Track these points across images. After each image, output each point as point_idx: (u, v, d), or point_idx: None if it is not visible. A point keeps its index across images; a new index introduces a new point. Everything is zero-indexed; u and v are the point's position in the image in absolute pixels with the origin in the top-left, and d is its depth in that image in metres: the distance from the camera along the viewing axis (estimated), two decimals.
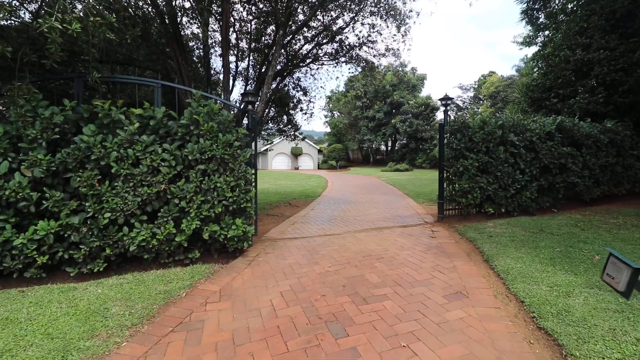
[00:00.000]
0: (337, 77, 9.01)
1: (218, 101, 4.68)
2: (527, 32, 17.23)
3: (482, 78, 63.13)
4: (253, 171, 4.81)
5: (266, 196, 11.33)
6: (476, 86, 56.02)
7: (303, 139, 9.58)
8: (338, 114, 46.15)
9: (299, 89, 8.12)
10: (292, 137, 8.93)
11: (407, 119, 33.02)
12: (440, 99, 6.16)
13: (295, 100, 7.88)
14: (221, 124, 4.19)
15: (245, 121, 5.66)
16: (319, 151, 45.14)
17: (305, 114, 8.68)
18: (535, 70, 17.49)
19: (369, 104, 39.11)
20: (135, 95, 5.42)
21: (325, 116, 50.56)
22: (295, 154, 42.11)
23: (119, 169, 3.66)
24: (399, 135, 33.84)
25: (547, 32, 14.95)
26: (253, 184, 5.01)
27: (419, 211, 7.71)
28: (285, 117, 7.93)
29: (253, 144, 5.20)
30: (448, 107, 6.30)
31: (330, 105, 48.33)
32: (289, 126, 8.37)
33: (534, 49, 18.32)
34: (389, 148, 41.32)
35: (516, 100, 18.63)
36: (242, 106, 4.53)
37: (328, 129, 50.20)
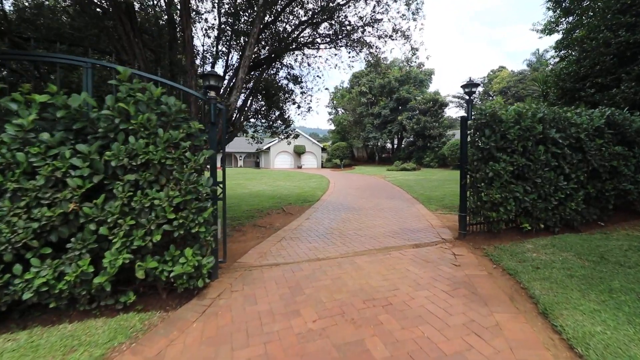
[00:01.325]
0: (337, 65, 7.85)
1: (174, 87, 3.48)
2: (547, 18, 15.77)
3: (491, 73, 61.34)
4: (211, 182, 3.61)
5: (259, 200, 10.16)
6: (485, 81, 54.31)
7: (296, 137, 8.27)
8: (342, 111, 44.84)
9: (290, 77, 6.92)
10: (285, 134, 7.73)
11: (414, 115, 31.59)
12: (464, 86, 4.90)
13: (286, 91, 6.68)
14: (164, 115, 3.00)
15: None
16: (323, 149, 43.93)
17: (300, 107, 7.47)
18: (556, 59, 15.99)
19: (374, 101, 37.75)
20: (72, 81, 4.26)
21: (330, 113, 49.31)
22: (298, 152, 40.96)
23: (3, 181, 2.50)
24: (406, 132, 32.47)
25: (570, 19, 13.53)
26: (218, 194, 3.83)
27: (433, 222, 6.46)
28: (275, 111, 6.74)
29: (225, 143, 4.00)
30: (463, 99, 5.07)
31: (335, 102, 47.08)
32: (280, 122, 7.16)
33: (555, 37, 16.80)
34: (395, 146, 39.92)
35: (535, 93, 17.14)
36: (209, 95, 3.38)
37: (332, 127, 48.93)
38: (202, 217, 3.02)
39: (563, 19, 13.69)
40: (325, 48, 7.19)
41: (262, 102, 6.59)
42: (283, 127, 7.43)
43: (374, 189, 13.46)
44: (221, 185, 3.96)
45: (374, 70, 11.62)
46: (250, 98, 6.27)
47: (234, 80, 4.40)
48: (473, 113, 4.83)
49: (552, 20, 14.42)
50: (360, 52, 7.30)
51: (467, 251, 4.45)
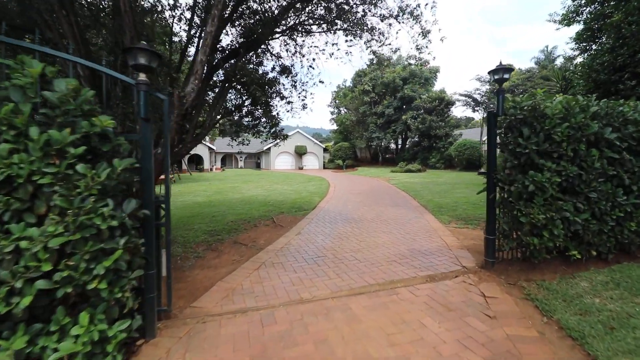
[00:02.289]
0: (332, 54, 6.93)
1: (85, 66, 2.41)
2: (566, 8, 14.55)
3: (486, 75, 59.53)
4: (133, 205, 2.55)
5: (249, 208, 9.11)
6: (492, 80, 52.69)
7: (285, 138, 7.14)
8: (345, 110, 43.74)
9: (277, 68, 5.84)
10: (272, 135, 6.64)
11: (419, 114, 30.40)
12: (493, 71, 3.78)
13: (272, 84, 5.60)
14: (50, 107, 1.94)
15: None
16: (325, 150, 42.90)
17: (290, 103, 6.36)
18: (576, 52, 14.76)
19: (377, 100, 36.62)
20: None
21: (332, 113, 48.26)
22: (299, 153, 39.96)
23: None
24: (410, 132, 31.31)
25: (593, 6, 12.36)
26: (169, 215, 2.78)
27: (449, 240, 5.35)
28: (258, 107, 5.66)
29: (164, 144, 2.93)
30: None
31: (337, 101, 46.02)
32: (265, 119, 6.07)
33: (574, 28, 15.60)
34: (399, 146, 38.73)
35: (552, 89, 15.92)
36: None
37: (335, 127, 47.86)
38: (103, 266, 1.94)
39: (585, 7, 12.54)
40: (320, 32, 6.10)
41: (245, 97, 5.53)
42: (269, 126, 6.34)
43: (377, 194, 12.35)
44: (165, 206, 2.88)
45: (377, 63, 10.57)
46: (229, 91, 5.20)
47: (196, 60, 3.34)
48: (505, 107, 3.72)
49: (571, 9, 13.25)
50: (360, 37, 6.20)
51: (500, 290, 3.35)
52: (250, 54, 5.15)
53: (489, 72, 3.87)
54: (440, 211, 8.00)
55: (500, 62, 3.77)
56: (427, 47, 6.17)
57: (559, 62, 43.92)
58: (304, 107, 7.94)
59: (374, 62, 10.75)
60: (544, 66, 45.24)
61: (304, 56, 6.98)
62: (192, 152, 38.06)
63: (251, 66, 5.46)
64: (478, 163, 24.47)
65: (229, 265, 4.48)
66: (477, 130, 39.69)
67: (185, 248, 5.37)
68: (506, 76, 3.71)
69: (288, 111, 6.39)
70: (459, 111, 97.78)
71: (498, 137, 3.83)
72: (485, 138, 33.00)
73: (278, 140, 6.97)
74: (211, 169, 39.86)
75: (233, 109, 5.57)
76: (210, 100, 5.23)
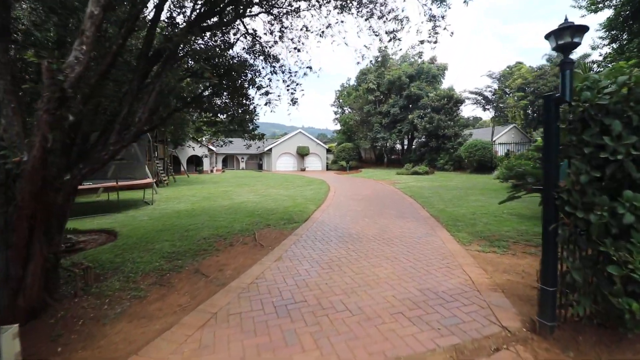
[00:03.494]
0: (322, 33, 5.77)
1: None
2: None
3: (507, 69, 58.09)
4: None
5: (233, 219, 7.87)
6: (501, 77, 51.15)
7: (260, 138, 5.85)
8: (349, 110, 42.41)
9: (250, 49, 4.56)
10: (249, 135, 5.36)
11: (426, 113, 28.91)
12: (554, 33, 2.44)
13: (242, 69, 4.31)
14: None
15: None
16: (328, 150, 41.65)
17: (268, 94, 5.03)
18: (606, 41, 13.33)
19: (382, 98, 35.23)
20: None
21: (336, 113, 46.97)
22: (302, 154, 38.75)
23: None
24: (417, 132, 29.84)
25: None
26: None
27: (475, 274, 4.01)
28: (220, 97, 4.40)
29: None
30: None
31: (341, 100, 44.74)
32: (235, 114, 4.74)
33: (602, 14, 14.11)
34: (405, 147, 37.26)
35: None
36: None
37: (338, 127, 46.55)
38: None
39: None
40: (308, 7, 4.81)
41: (207, 86, 4.27)
42: (242, 122, 5.02)
43: (381, 200, 11.00)
44: None
45: (381, 60, 9.29)
46: (168, 72, 3.92)
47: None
48: (575, 88, 2.39)
49: None
50: (358, 13, 4.90)
51: None
52: (212, 30, 3.89)
53: (547, 35, 2.53)
54: (457, 226, 6.64)
55: (566, 18, 2.44)
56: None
57: (573, 57, 41.83)
58: (294, 101, 6.69)
59: (378, 53, 9.50)
60: (556, 63, 43.43)
61: (291, 40, 5.71)
62: (191, 154, 37.11)
63: (218, 48, 4.18)
64: (490, 165, 22.94)
65: (170, 316, 3.21)
66: (486, 130, 38.10)
67: (126, 281, 4.12)
68: (577, 40, 2.38)
69: (267, 104, 5.08)
70: (468, 110, 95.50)
71: (563, 135, 2.49)
72: (496, 138, 31.43)
73: (254, 142, 5.67)
74: (211, 171, 38.83)
75: (190, 100, 4.29)
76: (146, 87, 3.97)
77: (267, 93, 4.95)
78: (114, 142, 3.11)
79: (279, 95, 6.81)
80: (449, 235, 5.99)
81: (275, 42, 5.03)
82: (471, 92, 30.75)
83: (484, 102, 31.92)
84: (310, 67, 5.82)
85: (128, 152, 13.83)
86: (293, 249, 5.33)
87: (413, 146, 34.11)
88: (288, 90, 6.67)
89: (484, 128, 43.92)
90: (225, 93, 4.18)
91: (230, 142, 6.59)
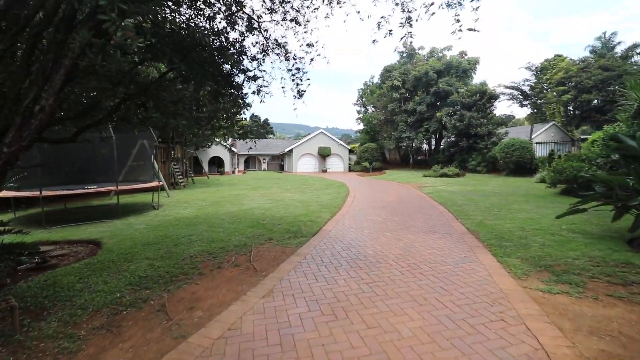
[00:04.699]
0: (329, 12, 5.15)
1: None
2: None
3: (545, 63, 54.03)
4: None
5: (233, 229, 6.88)
6: (538, 72, 47.49)
7: (244, 137, 4.71)
8: (372, 108, 40.81)
9: (241, 23, 3.50)
10: (237, 133, 4.29)
11: (456, 111, 26.86)
12: None
13: (220, 48, 3.26)
14: None
15: None
16: (351, 151, 40.26)
17: (255, 78, 3.92)
18: None
19: (408, 96, 33.38)
20: None
21: (358, 112, 45.49)
22: (323, 154, 37.66)
23: None
24: (446, 131, 27.81)
25: None
26: None
27: (547, 339, 2.66)
28: (183, 81, 3.37)
29: None
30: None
31: (364, 99, 43.26)
32: (224, 106, 3.68)
33: None
34: (433, 147, 35.16)
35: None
36: None
37: (361, 126, 45.03)
38: None
39: None
40: None
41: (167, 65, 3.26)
42: (232, 119, 3.94)
43: (406, 208, 9.63)
44: None
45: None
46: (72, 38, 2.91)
47: None
48: None
49: None
50: None
51: None
52: None
53: None
54: (503, 247, 5.22)
55: None
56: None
57: (619, 49, 37.96)
58: (300, 94, 5.59)
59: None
60: (601, 55, 39.46)
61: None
62: (212, 155, 37.05)
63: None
64: (529, 166, 20.71)
65: None
66: (521, 129, 35.21)
67: (66, 323, 3.17)
68: None
69: (256, 92, 3.95)
70: (503, 107, 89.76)
71: None
72: (534, 137, 28.74)
73: (246, 141, 4.57)
74: (233, 172, 38.63)
75: (149, 84, 3.24)
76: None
77: (254, 78, 3.83)
78: (10, 141, 2.13)
79: (282, 87, 5.76)
80: (495, 262, 4.60)
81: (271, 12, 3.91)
82: (507, 87, 28.25)
83: (521, 97, 29.26)
84: (310, 44, 4.64)
85: (140, 153, 13.35)
86: (291, 277, 4.18)
87: (441, 146, 32.03)
88: (293, 80, 5.59)
89: (517, 127, 40.78)
90: (196, 78, 3.11)
91: (254, 143, 5.52)
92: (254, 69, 3.93)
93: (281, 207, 9.92)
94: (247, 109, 4.38)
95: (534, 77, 42.40)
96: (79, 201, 13.42)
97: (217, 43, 3.31)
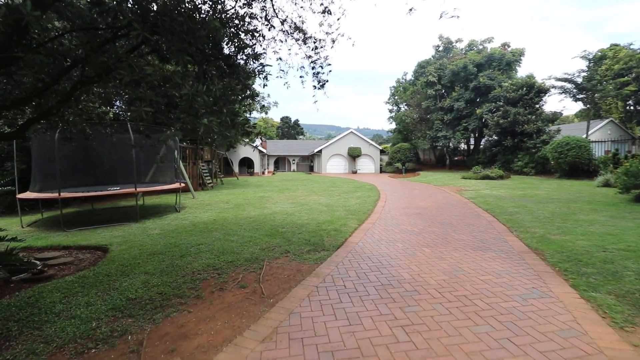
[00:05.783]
0: None
1: None
2: None
3: (598, 53, 48.93)
4: None
5: (249, 238, 6.15)
6: (595, 63, 42.99)
7: (247, 134, 3.89)
8: (405, 107, 39.01)
9: None
10: (241, 133, 3.49)
11: (499, 107, 24.65)
12: None
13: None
14: None
15: None
16: (382, 152, 38.76)
17: (257, 57, 3.08)
18: None
19: (444, 92, 31.40)
20: None
21: (390, 111, 43.80)
22: (353, 155, 36.54)
23: None
24: (487, 129, 25.60)
25: None
26: None
27: None
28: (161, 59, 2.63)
29: None
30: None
31: (396, 97, 41.56)
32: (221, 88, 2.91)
33: None
34: (472, 147, 32.79)
35: None
36: None
37: (393, 125, 43.29)
38: None
39: None
40: None
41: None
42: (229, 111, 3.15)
43: (446, 216, 8.40)
44: None
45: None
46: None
47: None
48: None
49: None
50: None
51: None
52: None
53: None
54: (584, 275, 3.97)
55: None
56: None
57: None
58: (321, 84, 4.77)
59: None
60: None
61: None
62: (243, 155, 37.28)
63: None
64: (588, 168, 18.30)
65: None
66: (571, 127, 31.83)
67: None
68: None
69: (257, 74, 3.11)
70: (553, 101, 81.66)
71: None
72: (591, 134, 25.67)
73: (256, 140, 3.77)
74: (263, 173, 38.68)
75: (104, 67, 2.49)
76: None
77: (255, 57, 2.98)
78: None
79: (301, 77, 4.95)
80: (578, 298, 3.41)
81: None
82: (558, 79, 25.42)
83: (575, 90, 26.23)
84: (327, 11, 3.73)
85: (168, 155, 13.18)
86: (303, 310, 3.29)
87: (481, 145, 29.70)
88: (313, 69, 4.75)
89: (566, 124, 36.99)
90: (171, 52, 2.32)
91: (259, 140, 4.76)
92: (254, 44, 3.11)
93: (304, 213, 9.09)
94: (252, 100, 3.58)
95: (589, 68, 38.28)
96: (108, 202, 13.53)
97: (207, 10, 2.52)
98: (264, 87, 3.19)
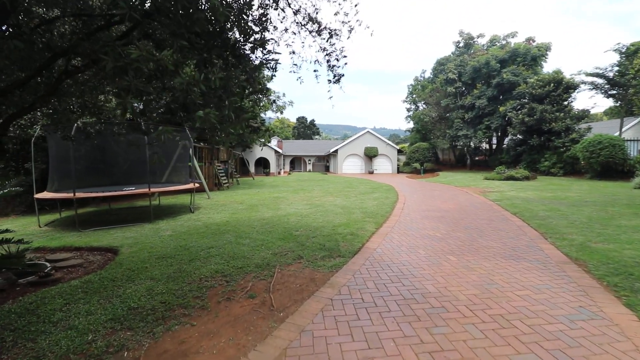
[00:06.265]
0: None
1: None
2: None
3: (631, 47, 46.29)
4: None
5: (261, 242, 5.88)
6: (628, 56, 40.59)
7: (267, 131, 3.60)
8: (423, 105, 38.04)
9: None
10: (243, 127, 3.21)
11: (524, 104, 23.52)
12: None
13: None
14: None
15: None
16: (399, 151, 37.94)
17: (264, 43, 2.76)
18: None
19: (464, 90, 30.34)
20: None
21: (408, 110, 42.87)
22: (369, 155, 35.94)
23: None
24: (511, 128, 24.46)
25: None
26: None
27: None
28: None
29: None
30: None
31: (414, 95, 40.62)
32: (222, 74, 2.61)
33: None
34: (494, 146, 31.55)
35: None
36: None
37: (411, 124, 42.34)
38: None
39: None
40: None
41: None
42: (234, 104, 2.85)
43: (471, 221, 7.86)
44: None
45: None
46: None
47: None
48: None
49: None
50: None
51: None
52: None
53: None
54: (638, 292, 3.44)
55: None
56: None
57: None
58: (337, 78, 4.47)
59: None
60: None
61: None
62: (259, 156, 37.35)
63: None
64: (622, 168, 17.10)
65: None
66: (601, 125, 30.06)
67: None
68: None
69: (263, 65, 2.79)
70: (583, 98, 77.36)
71: None
72: (624, 131, 24.06)
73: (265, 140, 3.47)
74: (279, 173, 38.66)
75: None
76: None
77: (262, 43, 2.66)
78: None
79: (315, 70, 4.65)
80: (637, 321, 2.90)
81: None
82: (589, 74, 23.96)
83: (607, 86, 24.66)
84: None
85: (183, 155, 13.17)
86: (315, 328, 2.95)
87: (504, 145, 28.47)
88: (328, 62, 4.44)
89: (595, 122, 34.96)
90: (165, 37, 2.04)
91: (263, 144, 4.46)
92: (261, 31, 2.78)
93: (319, 214, 8.75)
94: (262, 95, 3.27)
95: (621, 62, 36.09)
96: (125, 202, 13.65)
97: None
98: (272, 78, 2.91)
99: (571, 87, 22.37)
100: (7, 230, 4.46)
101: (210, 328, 3.05)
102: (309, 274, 4.36)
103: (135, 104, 2.28)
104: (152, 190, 9.02)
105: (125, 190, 9.44)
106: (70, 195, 7.97)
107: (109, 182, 11.12)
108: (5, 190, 4.48)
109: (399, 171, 36.17)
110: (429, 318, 3.02)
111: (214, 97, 1.98)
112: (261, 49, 2.61)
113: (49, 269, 4.88)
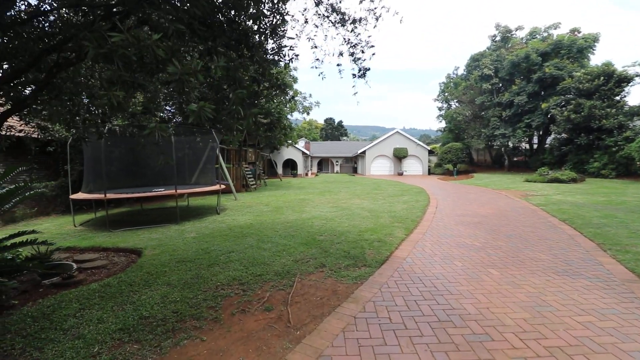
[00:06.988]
0: None
1: None
2: None
3: None
4: None
5: (283, 247, 5.63)
6: None
7: (283, 129, 3.30)
8: (456, 103, 36.39)
9: None
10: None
11: (569, 100, 21.64)
12: None
13: None
14: None
15: None
16: (430, 152, 36.54)
17: (275, 31, 2.38)
18: None
19: (501, 86, 28.60)
20: None
21: (440, 109, 41.25)
22: (398, 156, 34.91)
23: None
24: (555, 125, 22.62)
25: None
26: None
27: None
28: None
29: None
30: None
31: (446, 93, 39.04)
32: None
33: None
34: (535, 146, 29.43)
35: None
36: None
37: (443, 124, 40.68)
38: None
39: None
40: None
41: None
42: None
43: (513, 228, 7.11)
44: None
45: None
46: None
47: None
48: None
49: None
50: None
51: None
52: None
53: None
54: None
55: None
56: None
57: None
58: (362, 72, 4.15)
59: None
60: None
61: None
62: (287, 157, 37.56)
63: None
64: None
65: None
66: None
67: None
68: None
69: (276, 53, 2.47)
70: (637, 92, 69.86)
71: None
72: None
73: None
74: (306, 174, 38.62)
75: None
76: None
77: (273, 29, 2.34)
78: None
79: (338, 65, 4.33)
80: None
81: None
82: None
83: None
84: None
85: (211, 156, 13.33)
86: (335, 353, 2.58)
87: (547, 144, 26.43)
88: (352, 55, 4.10)
89: None
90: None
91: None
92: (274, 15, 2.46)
93: (345, 218, 8.36)
94: (280, 92, 2.96)
95: None
96: (157, 202, 14.03)
97: None
98: (287, 68, 2.66)
99: (624, 80, 20.25)
100: (33, 231, 4.51)
101: (221, 345, 2.78)
102: (331, 285, 4.00)
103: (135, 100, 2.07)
104: (179, 191, 9.08)
105: (154, 191, 9.59)
106: (102, 196, 8.19)
107: (141, 184, 11.41)
108: (31, 192, 4.55)
109: (430, 173, 34.81)
110: (469, 348, 2.56)
111: (217, 92, 1.70)
112: (272, 35, 2.31)
113: (74, 270, 4.90)
